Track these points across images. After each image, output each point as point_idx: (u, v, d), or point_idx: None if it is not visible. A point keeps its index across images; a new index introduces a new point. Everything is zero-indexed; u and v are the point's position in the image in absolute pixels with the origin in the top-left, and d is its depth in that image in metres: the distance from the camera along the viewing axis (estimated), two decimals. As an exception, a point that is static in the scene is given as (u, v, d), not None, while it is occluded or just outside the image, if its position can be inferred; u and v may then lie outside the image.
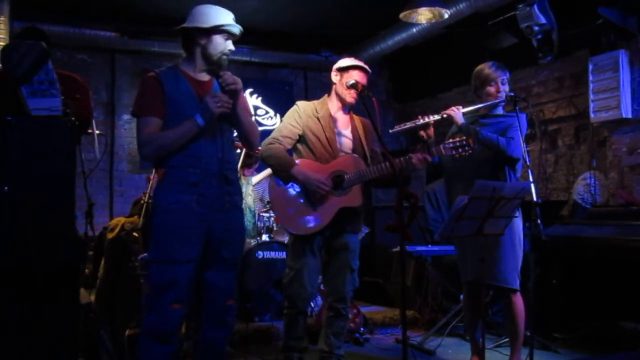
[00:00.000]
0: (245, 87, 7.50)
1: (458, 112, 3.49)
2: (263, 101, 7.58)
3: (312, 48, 7.35)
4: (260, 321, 4.74)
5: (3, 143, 2.62)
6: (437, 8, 4.97)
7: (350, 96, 3.41)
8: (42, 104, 2.69)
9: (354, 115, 3.57)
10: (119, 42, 6.59)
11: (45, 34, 3.58)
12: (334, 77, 3.47)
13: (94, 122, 3.31)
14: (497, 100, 3.52)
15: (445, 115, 3.49)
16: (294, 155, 3.44)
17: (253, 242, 5.01)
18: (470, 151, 3.29)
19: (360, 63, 3.43)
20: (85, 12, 6.12)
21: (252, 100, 7.49)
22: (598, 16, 4.83)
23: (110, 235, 4.29)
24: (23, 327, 2.57)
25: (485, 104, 3.56)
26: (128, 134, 6.98)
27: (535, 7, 4.86)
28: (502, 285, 3.40)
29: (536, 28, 4.96)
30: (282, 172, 3.31)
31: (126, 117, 6.96)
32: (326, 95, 3.54)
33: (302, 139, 3.42)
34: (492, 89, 3.53)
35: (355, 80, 3.36)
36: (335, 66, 3.48)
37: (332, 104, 3.49)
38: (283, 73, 7.88)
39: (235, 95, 2.78)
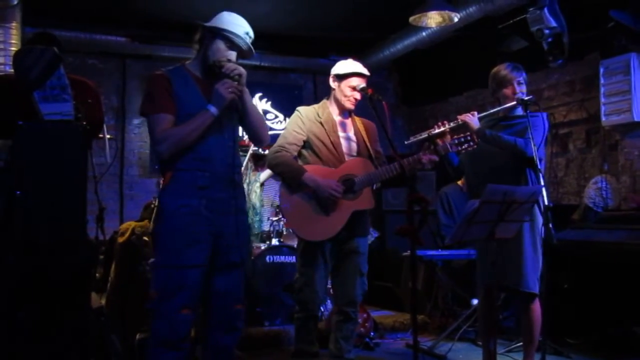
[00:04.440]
0: (254, 92, 7.59)
1: (473, 118, 3.45)
2: (272, 105, 7.60)
3: (321, 52, 7.36)
4: (271, 325, 4.74)
5: (15, 148, 2.64)
6: (447, 12, 4.95)
7: (349, 102, 3.40)
8: (54, 108, 2.71)
9: (355, 117, 3.56)
10: (129, 47, 6.63)
11: (57, 39, 3.61)
12: (332, 83, 3.45)
13: (105, 126, 3.33)
14: (511, 104, 3.47)
15: (460, 121, 3.47)
16: (299, 161, 3.42)
17: (263, 245, 5.01)
18: (474, 146, 3.31)
19: (358, 69, 3.39)
20: (96, 17, 6.15)
21: (261, 104, 7.51)
22: (609, 19, 4.79)
23: (121, 240, 4.31)
24: (34, 331, 2.58)
25: (500, 107, 3.53)
26: (138, 139, 7.03)
27: (546, 10, 4.83)
28: (523, 289, 3.35)
29: (547, 31, 4.93)
30: (293, 180, 3.28)
31: (136, 121, 7.00)
32: (326, 99, 3.53)
33: (306, 144, 3.40)
34: (508, 91, 3.47)
35: (355, 87, 3.34)
36: (333, 72, 3.44)
37: (333, 108, 3.48)
38: (292, 77, 7.90)
39: (241, 82, 2.74)
